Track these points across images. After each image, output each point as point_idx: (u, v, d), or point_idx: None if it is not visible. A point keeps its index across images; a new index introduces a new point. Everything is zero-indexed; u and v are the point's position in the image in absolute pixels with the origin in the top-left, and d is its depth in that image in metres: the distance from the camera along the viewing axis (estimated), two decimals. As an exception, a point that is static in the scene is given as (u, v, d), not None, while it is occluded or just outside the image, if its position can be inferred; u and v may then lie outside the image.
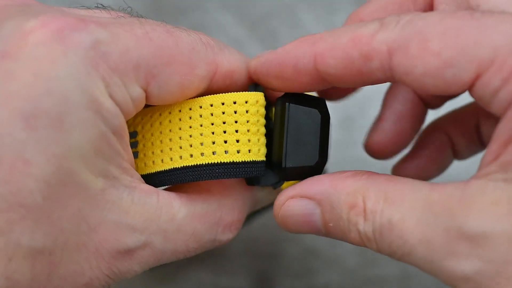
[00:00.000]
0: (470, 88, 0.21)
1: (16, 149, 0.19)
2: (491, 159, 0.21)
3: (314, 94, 0.27)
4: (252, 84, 0.26)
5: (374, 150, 0.30)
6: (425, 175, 0.32)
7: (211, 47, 0.24)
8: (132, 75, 0.22)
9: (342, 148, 0.44)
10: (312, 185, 0.24)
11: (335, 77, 0.23)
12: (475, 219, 0.20)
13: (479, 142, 0.31)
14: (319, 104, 0.25)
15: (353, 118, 0.46)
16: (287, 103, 0.24)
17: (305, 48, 0.24)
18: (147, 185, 0.23)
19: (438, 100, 0.29)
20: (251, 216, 0.40)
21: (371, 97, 0.47)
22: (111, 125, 0.21)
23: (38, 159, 0.19)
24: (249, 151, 0.24)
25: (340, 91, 0.30)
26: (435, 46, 0.21)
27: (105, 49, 0.21)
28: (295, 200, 0.24)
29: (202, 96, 0.25)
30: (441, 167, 0.32)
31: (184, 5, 0.49)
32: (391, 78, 0.22)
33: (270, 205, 0.39)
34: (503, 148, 0.21)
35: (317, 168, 0.25)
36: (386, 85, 0.47)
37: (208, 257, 0.44)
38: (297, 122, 0.24)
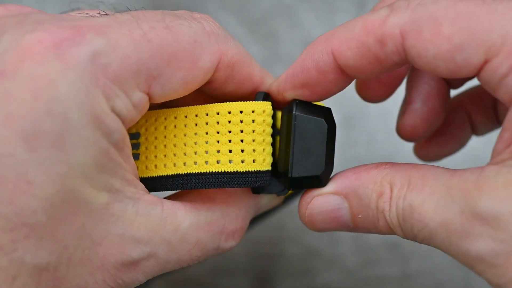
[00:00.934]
0: (478, 73, 0.22)
1: (18, 169, 0.19)
2: (504, 147, 0.22)
3: (322, 103, 0.27)
4: (260, 92, 0.26)
5: (408, 132, 0.30)
6: (446, 151, 0.32)
7: (215, 35, 0.24)
8: (132, 82, 0.21)
9: (342, 148, 0.44)
10: (337, 180, 0.25)
11: (356, 68, 0.24)
12: (488, 201, 0.21)
13: (496, 120, 0.32)
14: (325, 114, 0.25)
15: (353, 118, 0.46)
16: (294, 113, 0.25)
17: (321, 47, 0.24)
18: (152, 196, 0.23)
19: (459, 80, 0.30)
20: (254, 220, 0.40)
21: (371, 97, 0.47)
22: (113, 140, 0.21)
23: (41, 179, 0.19)
24: (254, 161, 0.24)
25: (380, 91, 0.30)
26: (447, 30, 0.21)
27: (104, 61, 0.21)
28: (321, 197, 0.25)
29: (206, 90, 0.25)
30: (461, 143, 0.32)
31: (184, 5, 0.49)
32: (406, 60, 0.23)
33: (273, 210, 0.39)
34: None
35: (323, 177, 0.25)
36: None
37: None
38: (304, 132, 0.24)
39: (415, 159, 0.33)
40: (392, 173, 0.24)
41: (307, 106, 0.25)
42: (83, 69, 0.20)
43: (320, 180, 0.25)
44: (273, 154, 0.26)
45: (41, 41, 0.20)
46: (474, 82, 0.30)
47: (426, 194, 0.22)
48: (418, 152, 0.33)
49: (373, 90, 0.29)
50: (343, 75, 0.24)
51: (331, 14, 0.48)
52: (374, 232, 0.25)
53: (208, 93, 0.26)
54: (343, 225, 0.25)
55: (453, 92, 0.32)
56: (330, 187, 0.25)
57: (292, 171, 0.24)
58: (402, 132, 0.30)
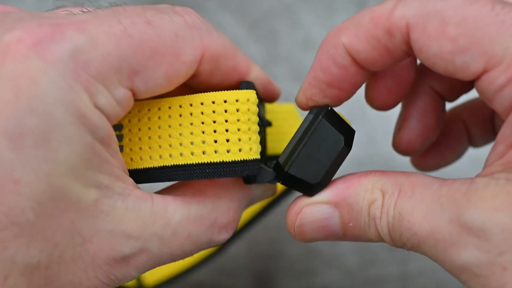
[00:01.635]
0: (475, 80, 0.22)
1: (4, 169, 0.19)
2: (495, 159, 0.22)
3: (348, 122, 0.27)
4: (244, 82, 0.26)
5: (404, 148, 0.30)
6: (443, 162, 0.32)
7: (198, 28, 0.24)
8: (114, 78, 0.21)
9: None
10: (327, 190, 0.25)
11: (368, 61, 0.24)
12: (475, 211, 0.21)
13: (493, 132, 0.32)
14: (347, 133, 0.25)
15: (353, 118, 0.46)
16: (321, 116, 0.25)
17: (333, 42, 0.25)
18: (141, 191, 0.23)
19: (454, 93, 0.30)
20: (254, 219, 0.40)
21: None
22: (98, 136, 0.21)
23: (28, 178, 0.19)
24: (240, 150, 0.24)
25: (388, 98, 0.29)
26: (453, 32, 0.21)
27: (85, 57, 0.20)
28: (311, 207, 0.25)
29: (192, 84, 0.25)
30: (458, 154, 0.32)
31: (183, 5, 0.49)
32: (410, 52, 0.23)
33: (272, 206, 0.39)
34: (507, 149, 0.21)
35: (314, 188, 0.25)
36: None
37: (212, 260, 0.44)
38: (320, 139, 0.24)
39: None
40: (382, 180, 0.24)
41: (336, 118, 0.25)
42: (64, 66, 0.20)
43: (311, 189, 0.25)
44: (262, 143, 0.26)
45: (21, 40, 0.20)
46: (471, 95, 0.30)
47: (416, 201, 0.23)
48: (415, 162, 0.33)
49: (382, 98, 0.29)
50: (361, 68, 0.25)
51: (331, 14, 0.48)
52: (364, 240, 0.25)
53: (194, 87, 0.26)
54: (333, 234, 0.25)
55: (451, 104, 0.32)
56: (320, 196, 0.25)
57: (290, 167, 0.24)
58: (398, 147, 0.31)
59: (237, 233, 0.40)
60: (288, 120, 0.33)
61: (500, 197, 0.21)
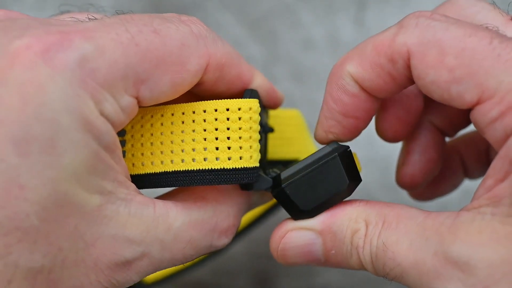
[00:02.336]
0: (470, 109, 0.23)
1: (10, 174, 0.19)
2: (483, 193, 0.22)
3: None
4: (248, 90, 0.26)
5: (408, 182, 0.31)
6: (439, 192, 0.33)
7: (203, 38, 0.24)
8: (121, 86, 0.22)
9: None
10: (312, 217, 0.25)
11: (374, 88, 0.25)
12: (461, 245, 0.22)
13: (488, 165, 0.32)
14: (353, 179, 0.25)
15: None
16: (336, 153, 0.25)
17: (340, 72, 0.25)
18: (143, 196, 0.23)
19: (454, 128, 0.31)
20: (255, 222, 0.40)
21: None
22: (103, 143, 0.21)
23: (33, 183, 0.20)
24: (241, 158, 0.24)
25: (398, 130, 0.30)
26: (450, 62, 0.22)
27: (92, 66, 0.21)
28: (295, 232, 0.26)
29: (197, 92, 0.25)
30: (454, 185, 0.33)
31: (183, 5, 0.49)
32: (411, 78, 0.24)
33: (272, 211, 0.39)
34: (496, 183, 0.22)
35: (302, 214, 0.25)
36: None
37: (208, 257, 0.44)
38: (327, 173, 0.25)
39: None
40: (367, 210, 0.24)
41: (350, 161, 0.25)
42: (71, 73, 0.20)
43: (297, 214, 0.25)
44: (262, 150, 0.26)
45: (29, 47, 0.20)
46: (468, 128, 0.31)
47: (401, 233, 0.23)
48: (411, 192, 0.33)
49: (393, 128, 0.29)
50: (370, 95, 0.25)
51: (331, 14, 0.48)
52: (345, 267, 0.25)
53: (199, 95, 0.26)
54: (315, 259, 0.26)
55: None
56: (305, 222, 0.25)
57: (287, 185, 0.25)
58: (402, 182, 0.31)
59: (237, 236, 0.40)
60: (291, 125, 0.33)
61: (486, 233, 0.21)
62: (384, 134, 0.29)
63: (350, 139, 0.27)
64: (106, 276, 0.22)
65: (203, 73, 0.24)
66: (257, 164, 0.25)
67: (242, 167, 0.24)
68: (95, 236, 0.22)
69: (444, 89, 0.23)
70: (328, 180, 0.25)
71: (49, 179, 0.20)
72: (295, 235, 0.26)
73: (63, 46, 0.20)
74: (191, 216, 0.24)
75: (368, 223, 0.24)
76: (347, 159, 0.25)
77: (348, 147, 0.25)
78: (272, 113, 0.31)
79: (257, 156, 0.25)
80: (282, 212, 0.28)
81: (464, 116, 0.30)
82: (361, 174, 0.26)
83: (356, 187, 0.25)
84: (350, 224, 0.24)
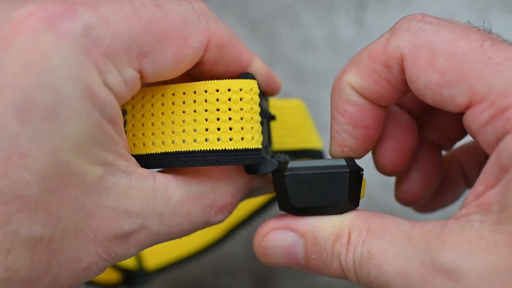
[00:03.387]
0: (462, 112, 0.23)
1: (11, 142, 0.19)
2: (472, 200, 0.22)
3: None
4: (244, 73, 0.26)
5: (407, 199, 0.31)
6: (440, 204, 0.33)
7: (205, 15, 0.24)
8: (124, 58, 0.21)
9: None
10: (296, 218, 0.25)
11: (374, 96, 0.25)
12: (449, 254, 0.21)
13: None
14: (352, 202, 0.25)
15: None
16: (348, 170, 0.25)
17: (340, 84, 0.26)
18: (144, 169, 0.23)
19: (450, 142, 0.31)
20: (257, 213, 0.40)
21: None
22: (106, 114, 0.21)
23: (34, 152, 0.19)
24: (242, 138, 0.24)
25: (396, 163, 0.30)
26: (441, 65, 0.22)
27: (96, 35, 0.21)
28: (278, 231, 0.26)
29: (191, 73, 0.25)
30: (455, 196, 0.33)
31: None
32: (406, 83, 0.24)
33: (270, 203, 0.39)
34: (485, 190, 0.22)
35: (290, 209, 0.25)
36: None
37: (208, 257, 0.44)
38: (331, 183, 0.25)
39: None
40: (351, 218, 0.24)
41: (357, 183, 0.25)
42: (76, 42, 0.20)
43: (286, 206, 0.25)
44: (266, 135, 0.26)
45: (33, 14, 0.20)
46: (465, 139, 0.31)
47: (386, 241, 0.23)
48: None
49: (390, 161, 0.29)
50: (374, 103, 0.26)
51: (331, 14, 0.48)
52: (325, 274, 0.25)
53: (197, 77, 0.26)
54: (295, 262, 0.26)
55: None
56: (287, 222, 0.25)
57: (289, 175, 0.25)
58: (402, 199, 0.31)
59: (239, 227, 0.41)
60: (294, 115, 0.33)
61: (475, 241, 0.21)
62: (383, 169, 0.29)
63: (366, 150, 0.27)
64: (105, 247, 0.22)
65: (204, 51, 0.24)
66: (260, 146, 0.25)
67: (244, 148, 0.24)
68: (95, 207, 0.21)
69: (436, 92, 0.23)
70: (329, 189, 0.25)
71: (51, 148, 0.20)
72: (278, 235, 0.26)
73: (68, 14, 0.20)
74: (190, 190, 0.24)
75: (351, 230, 0.24)
76: (356, 180, 0.25)
77: (362, 170, 0.25)
78: (274, 103, 0.31)
79: (259, 138, 0.25)
80: (282, 214, 0.28)
81: (459, 127, 0.30)
82: (365, 178, 0.26)
83: (349, 210, 0.25)
84: (332, 230, 0.24)
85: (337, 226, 0.24)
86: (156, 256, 0.41)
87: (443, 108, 0.23)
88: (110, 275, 0.41)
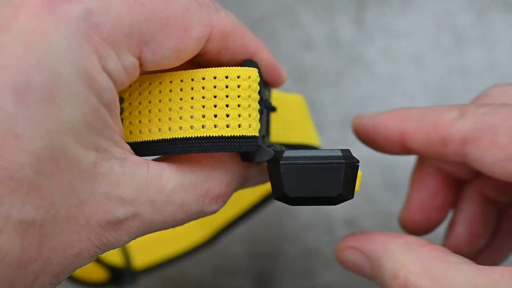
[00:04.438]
0: None
1: (6, 123, 0.19)
2: None
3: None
4: (247, 60, 0.26)
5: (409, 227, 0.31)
6: (499, 258, 0.32)
7: (207, 6, 0.24)
8: (124, 44, 0.21)
9: (342, 147, 0.44)
10: (367, 240, 0.27)
11: (418, 151, 0.27)
12: None
13: None
14: (346, 193, 0.25)
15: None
16: (344, 161, 0.25)
17: (395, 124, 0.27)
18: (137, 157, 0.23)
19: (508, 195, 0.30)
20: (251, 212, 0.40)
21: (371, 97, 0.47)
22: (103, 99, 0.21)
23: (29, 134, 0.19)
24: (239, 126, 0.24)
25: (426, 221, 0.31)
26: (502, 141, 0.23)
27: (98, 20, 0.21)
28: (350, 251, 0.28)
29: (194, 61, 0.25)
30: None
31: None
32: (464, 161, 0.25)
33: (267, 201, 0.39)
34: None
35: (282, 197, 0.25)
36: (387, 88, 0.47)
37: (208, 257, 0.44)
38: (326, 174, 0.24)
39: (413, 159, 0.33)
40: (413, 259, 0.25)
41: (352, 175, 0.25)
42: (76, 25, 0.20)
43: (279, 195, 0.25)
44: (265, 125, 0.26)
45: None
46: None
47: None
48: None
49: (415, 219, 0.30)
50: (405, 149, 0.27)
51: (331, 14, 0.48)
52: None
53: (202, 66, 0.26)
54: (367, 277, 0.27)
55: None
56: (359, 243, 0.27)
57: (284, 164, 0.24)
58: (404, 226, 0.32)
59: (235, 222, 0.40)
60: (294, 110, 0.33)
61: None
62: (408, 227, 0.30)
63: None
64: (97, 234, 0.22)
65: (206, 42, 0.24)
66: (257, 134, 0.25)
67: (241, 135, 0.24)
68: (89, 193, 0.21)
69: (503, 168, 0.23)
70: (323, 180, 0.24)
71: (46, 131, 0.20)
72: (349, 254, 0.28)
73: None
74: (184, 178, 0.24)
75: (409, 273, 0.24)
76: (351, 172, 0.25)
77: (358, 161, 0.25)
78: (275, 96, 0.31)
79: (256, 125, 0.25)
80: (282, 208, 0.28)
81: None
82: (361, 171, 0.26)
83: (343, 201, 0.25)
84: (392, 268, 0.25)
85: (396, 265, 0.25)
86: (144, 255, 0.41)
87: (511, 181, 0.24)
88: (97, 273, 0.41)
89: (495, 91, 0.27)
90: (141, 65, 0.23)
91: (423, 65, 0.47)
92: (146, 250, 0.41)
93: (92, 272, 0.41)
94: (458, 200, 0.30)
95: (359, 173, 0.26)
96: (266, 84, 0.28)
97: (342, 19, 0.48)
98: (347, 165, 0.24)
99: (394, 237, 0.26)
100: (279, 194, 0.25)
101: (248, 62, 0.25)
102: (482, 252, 0.31)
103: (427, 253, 0.25)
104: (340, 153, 0.25)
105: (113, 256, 0.39)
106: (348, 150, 0.26)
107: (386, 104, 0.46)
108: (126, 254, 0.40)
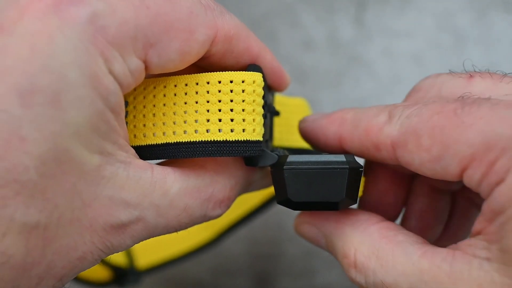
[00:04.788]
0: (460, 179, 0.23)
1: (12, 125, 0.19)
2: (479, 229, 0.22)
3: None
4: (252, 64, 0.26)
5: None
6: (454, 239, 0.32)
7: (211, 9, 0.24)
8: (130, 47, 0.21)
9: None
10: (322, 218, 0.27)
11: (357, 155, 0.27)
12: None
13: None
14: (349, 197, 0.25)
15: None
16: (348, 167, 0.25)
17: (333, 130, 0.27)
18: (142, 160, 0.23)
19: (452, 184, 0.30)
20: (252, 215, 0.40)
21: (371, 97, 0.47)
22: (109, 103, 0.21)
23: (34, 136, 0.19)
24: (243, 130, 0.24)
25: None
26: (426, 143, 0.23)
27: (103, 23, 0.21)
28: (307, 226, 0.28)
29: (199, 64, 0.25)
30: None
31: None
32: (399, 164, 0.25)
33: (270, 202, 0.39)
34: (487, 223, 0.22)
35: (286, 201, 0.25)
36: (387, 88, 0.47)
37: (208, 257, 0.44)
38: (330, 179, 0.25)
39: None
40: (361, 238, 0.25)
41: (355, 180, 0.25)
42: (82, 28, 0.20)
43: (282, 199, 0.25)
44: (268, 130, 0.26)
45: None
46: None
47: (398, 273, 0.23)
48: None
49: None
50: (344, 150, 0.27)
51: (331, 14, 0.48)
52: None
53: (207, 69, 0.26)
54: (323, 249, 0.28)
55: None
56: (316, 221, 0.27)
57: (288, 169, 0.25)
58: None
59: (238, 224, 0.41)
60: (298, 113, 0.33)
61: (484, 285, 0.21)
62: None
63: None
64: (100, 237, 0.22)
65: (210, 45, 0.24)
66: (260, 138, 0.25)
67: (245, 139, 0.24)
68: (92, 196, 0.21)
69: (432, 169, 0.23)
70: (327, 185, 0.24)
71: (51, 134, 0.19)
72: (306, 228, 0.28)
73: (75, 0, 0.20)
74: (188, 183, 0.24)
75: (357, 252, 0.25)
76: (354, 177, 0.25)
77: (361, 167, 0.25)
78: (279, 99, 0.31)
79: (260, 130, 0.25)
80: (281, 209, 0.28)
81: None
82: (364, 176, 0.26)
83: (347, 207, 0.25)
84: (341, 248, 0.25)
85: (346, 244, 0.25)
86: (147, 255, 0.41)
87: (445, 179, 0.23)
88: (101, 273, 0.41)
89: (425, 84, 0.27)
90: (146, 68, 0.23)
91: (423, 65, 0.47)
92: (150, 251, 0.41)
93: (96, 271, 0.41)
94: (409, 194, 0.31)
95: (363, 178, 0.26)
96: (269, 88, 0.28)
97: (342, 19, 0.48)
98: (351, 170, 0.24)
99: (347, 214, 0.26)
100: (282, 198, 0.25)
101: (252, 67, 0.25)
102: (440, 239, 0.32)
103: (375, 232, 0.25)
104: (344, 158, 0.25)
105: (117, 256, 0.40)
106: (352, 156, 0.26)
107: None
108: (129, 254, 0.40)
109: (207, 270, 0.45)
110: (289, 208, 0.25)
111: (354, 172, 0.25)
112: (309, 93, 0.47)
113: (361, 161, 0.27)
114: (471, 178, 0.22)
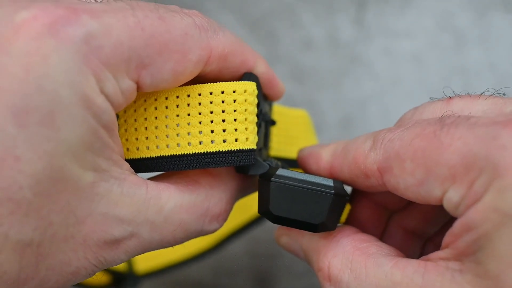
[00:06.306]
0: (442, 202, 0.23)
1: (6, 145, 0.19)
2: (446, 245, 0.22)
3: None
4: (247, 73, 0.26)
5: None
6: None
7: (205, 30, 0.24)
8: (123, 68, 0.22)
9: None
10: (298, 230, 0.27)
11: (349, 184, 0.27)
12: None
13: None
14: (330, 222, 0.25)
15: (353, 118, 0.46)
16: (334, 192, 0.25)
17: (325, 160, 0.27)
18: (137, 176, 0.23)
19: (430, 228, 0.30)
20: (253, 223, 0.40)
21: (371, 97, 0.47)
22: (102, 120, 0.21)
23: (29, 155, 0.19)
24: (236, 140, 0.24)
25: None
26: (409, 166, 0.23)
27: (97, 43, 0.21)
28: (285, 237, 0.28)
29: (195, 81, 0.25)
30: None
31: (184, 5, 0.49)
32: (387, 190, 0.25)
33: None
34: (456, 237, 0.22)
35: (266, 212, 0.25)
36: (387, 88, 0.47)
37: (208, 257, 0.44)
38: (314, 200, 0.24)
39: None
40: (334, 250, 0.25)
41: (339, 207, 0.25)
42: (76, 48, 0.20)
43: (264, 210, 0.25)
44: (263, 138, 0.26)
45: (36, 18, 0.20)
46: None
47: (371, 286, 0.23)
48: None
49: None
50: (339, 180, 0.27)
51: (331, 14, 0.48)
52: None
53: (203, 83, 0.26)
54: (302, 259, 0.28)
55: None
56: (293, 233, 0.27)
57: (274, 182, 0.24)
58: None
59: (236, 234, 0.41)
60: (298, 124, 0.33)
61: None
62: None
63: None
64: (94, 253, 0.22)
65: (204, 65, 0.24)
66: (254, 147, 0.25)
67: (238, 149, 0.24)
68: (86, 213, 0.22)
69: (416, 193, 0.23)
70: (309, 206, 0.24)
71: (45, 153, 0.20)
72: (284, 240, 0.28)
73: (70, 20, 0.20)
74: (183, 199, 0.24)
75: (331, 265, 0.24)
76: (338, 204, 0.25)
77: (348, 196, 0.26)
78: (279, 110, 0.31)
79: (253, 139, 0.25)
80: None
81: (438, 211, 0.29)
82: (350, 205, 0.26)
83: (325, 231, 0.25)
84: (316, 260, 0.25)
85: (320, 257, 0.25)
86: (147, 260, 0.41)
87: (431, 204, 0.23)
88: (99, 278, 0.41)
89: (408, 113, 0.26)
90: (139, 87, 0.23)
91: (423, 65, 0.47)
92: (149, 256, 0.41)
93: (95, 276, 0.41)
94: (383, 231, 0.30)
95: (348, 206, 0.26)
96: (266, 98, 0.28)
97: (342, 19, 0.48)
98: (336, 196, 0.24)
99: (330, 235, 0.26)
100: (263, 209, 0.25)
101: (248, 75, 0.25)
102: None
103: (349, 244, 0.25)
104: (332, 183, 0.25)
105: (116, 261, 0.40)
106: (341, 183, 0.26)
107: (386, 104, 0.46)
108: (129, 259, 0.40)
109: (207, 270, 0.45)
110: (269, 220, 0.25)
111: (339, 199, 0.25)
112: (309, 93, 0.47)
113: (348, 190, 0.27)
114: (450, 201, 0.22)
